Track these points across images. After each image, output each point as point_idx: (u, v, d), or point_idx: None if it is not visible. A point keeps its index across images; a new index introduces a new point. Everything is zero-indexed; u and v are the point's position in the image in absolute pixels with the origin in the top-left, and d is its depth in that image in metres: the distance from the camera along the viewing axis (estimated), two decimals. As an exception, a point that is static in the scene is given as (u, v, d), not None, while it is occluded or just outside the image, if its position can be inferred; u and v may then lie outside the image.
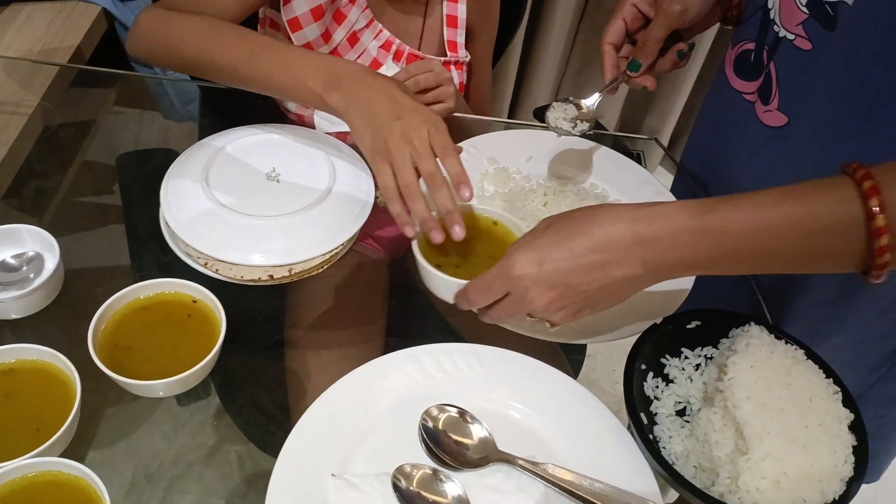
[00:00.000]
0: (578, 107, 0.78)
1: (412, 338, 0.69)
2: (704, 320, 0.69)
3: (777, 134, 0.78)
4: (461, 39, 0.98)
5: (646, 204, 0.58)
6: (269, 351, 0.81)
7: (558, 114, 0.78)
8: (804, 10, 0.71)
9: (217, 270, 0.69)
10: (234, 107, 0.95)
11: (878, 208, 0.50)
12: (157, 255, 0.74)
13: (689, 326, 0.69)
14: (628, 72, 0.76)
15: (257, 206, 0.72)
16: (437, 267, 0.66)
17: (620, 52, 0.79)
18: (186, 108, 1.37)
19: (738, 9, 0.80)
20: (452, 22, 0.97)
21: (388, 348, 0.69)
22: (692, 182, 0.93)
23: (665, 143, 2.19)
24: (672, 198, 0.83)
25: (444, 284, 0.65)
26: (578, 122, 0.78)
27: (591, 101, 0.78)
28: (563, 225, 0.58)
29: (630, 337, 0.69)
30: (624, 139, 1.01)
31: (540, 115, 0.93)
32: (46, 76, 1.07)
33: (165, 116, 1.40)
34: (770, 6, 0.76)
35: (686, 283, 0.74)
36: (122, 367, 0.59)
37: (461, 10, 0.97)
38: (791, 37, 0.74)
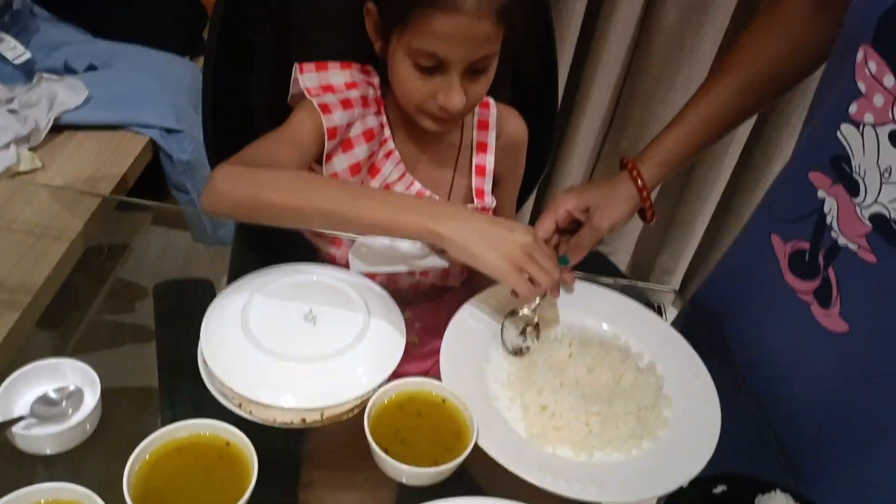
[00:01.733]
0: (525, 318, 0.84)
1: (430, 488, 0.70)
2: (730, 485, 0.69)
3: (835, 340, 0.77)
4: (488, 188, 1.03)
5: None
6: (288, 491, 0.81)
7: (511, 333, 0.83)
8: (867, 222, 0.71)
9: (251, 412, 0.70)
10: (265, 235, 0.99)
11: None
12: (190, 390, 0.76)
13: (715, 491, 0.69)
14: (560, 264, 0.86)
15: (294, 348, 0.74)
16: (385, 450, 0.68)
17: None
18: (217, 233, 1.43)
19: (651, 210, 0.94)
20: (481, 171, 1.02)
21: (402, 495, 0.70)
22: (708, 327, 0.94)
23: (678, 283, 2.23)
24: (694, 354, 0.84)
25: (390, 467, 0.68)
26: (528, 331, 0.83)
27: (532, 306, 0.83)
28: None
29: (650, 497, 0.69)
30: (644, 288, 1.04)
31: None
32: (90, 205, 1.12)
33: (195, 240, 1.46)
34: (826, 210, 0.76)
35: (709, 441, 0.74)
36: (153, 511, 0.60)
37: (489, 161, 1.03)
38: (853, 247, 0.73)
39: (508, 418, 0.76)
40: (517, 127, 1.06)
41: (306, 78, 0.92)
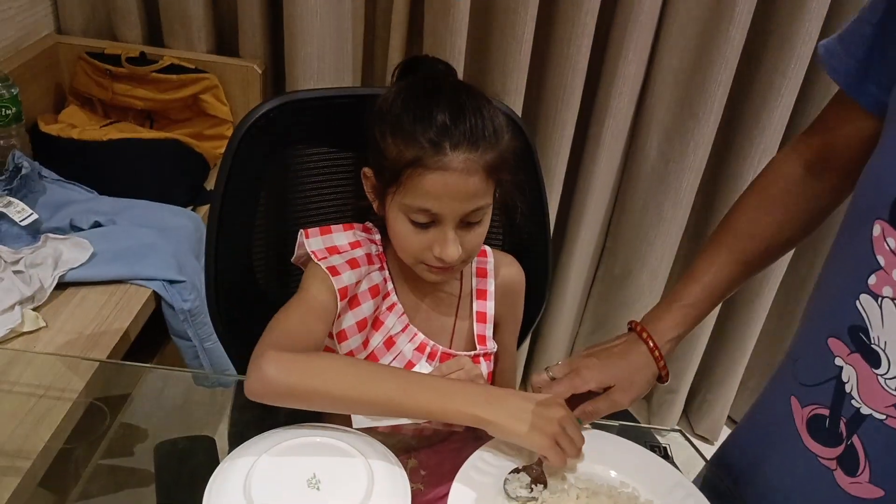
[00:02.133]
0: (529, 472, 0.83)
1: None
2: None
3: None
4: (489, 333, 1.05)
5: None
6: None
7: (514, 484, 0.83)
8: (893, 392, 0.69)
9: None
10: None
11: None
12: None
13: None
14: None
15: None
16: None
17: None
18: (218, 378, 1.43)
19: (666, 372, 0.94)
20: (482, 318, 1.04)
21: None
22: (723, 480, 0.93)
23: (681, 404, 2.21)
24: (704, 500, 0.83)
25: None
26: (534, 485, 0.82)
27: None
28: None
29: None
30: (651, 430, 1.04)
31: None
32: (91, 364, 1.13)
33: (197, 383, 1.46)
34: (845, 379, 0.74)
35: None
36: None
37: (490, 307, 1.05)
38: (880, 416, 0.71)
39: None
40: (514, 273, 1.09)
41: (311, 242, 0.96)
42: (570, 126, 1.76)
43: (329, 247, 0.96)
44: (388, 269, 1.00)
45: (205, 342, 1.48)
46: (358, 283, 0.94)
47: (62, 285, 1.31)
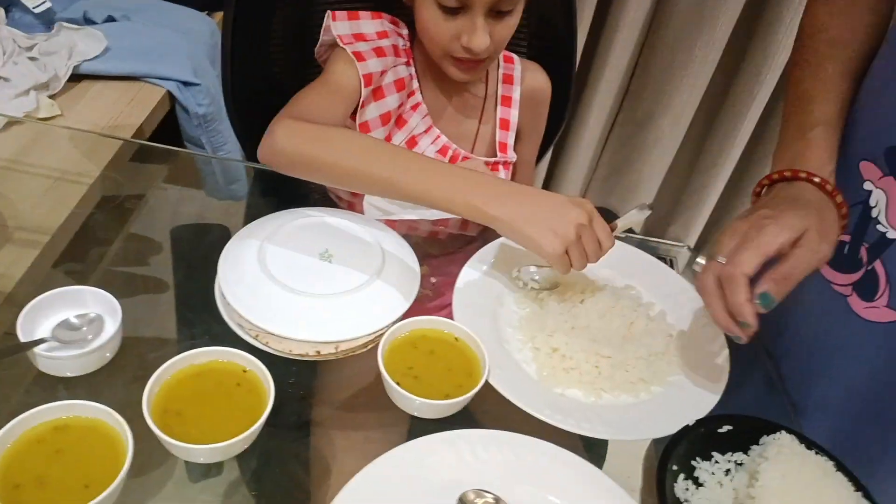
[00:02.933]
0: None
1: (437, 423, 0.71)
2: (735, 425, 0.70)
3: (880, 329, 0.75)
4: (510, 141, 1.04)
5: None
6: (298, 430, 0.83)
7: (524, 274, 0.85)
8: None
9: (267, 343, 0.72)
10: (283, 189, 1.00)
11: None
12: (208, 325, 0.77)
13: (720, 431, 0.70)
14: (759, 304, 0.67)
15: (309, 284, 0.75)
16: (398, 383, 0.69)
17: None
18: (229, 188, 1.44)
19: (845, 205, 0.74)
20: (505, 125, 1.03)
21: (412, 433, 0.71)
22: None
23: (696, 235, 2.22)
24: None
25: (401, 398, 0.70)
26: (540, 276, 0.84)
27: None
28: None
29: (658, 437, 0.70)
30: (658, 243, 1.04)
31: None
32: (109, 149, 1.13)
33: (208, 194, 1.47)
34: (873, 203, 0.73)
35: (717, 387, 0.75)
36: (170, 431, 0.61)
37: (513, 115, 1.03)
38: None
39: (519, 360, 0.77)
40: (541, 81, 1.06)
41: (338, 26, 0.93)
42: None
43: (356, 33, 0.93)
44: (415, 67, 0.98)
45: (217, 150, 1.48)
46: (383, 72, 0.92)
47: (76, 77, 1.29)
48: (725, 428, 0.70)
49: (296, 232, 0.82)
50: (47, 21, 1.36)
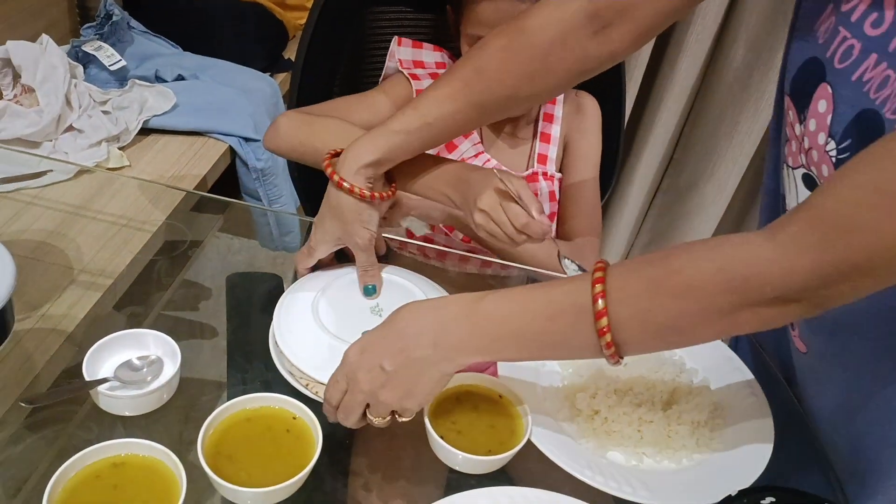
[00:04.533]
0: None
1: (474, 480, 0.72)
2: (778, 497, 0.69)
3: (803, 357, 0.82)
4: (552, 155, 1.08)
5: (439, 298, 0.72)
6: (342, 478, 0.84)
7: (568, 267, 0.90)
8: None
9: (316, 392, 0.74)
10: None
11: (600, 294, 0.59)
12: (259, 372, 0.80)
13: (762, 502, 0.69)
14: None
15: (360, 335, 0.77)
16: (442, 437, 0.71)
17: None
18: (283, 239, 1.49)
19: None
20: (545, 139, 1.08)
21: (449, 488, 0.72)
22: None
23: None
24: (749, 373, 0.85)
25: (445, 452, 0.71)
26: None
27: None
28: (389, 318, 0.68)
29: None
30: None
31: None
32: (172, 199, 1.19)
33: (262, 244, 1.52)
34: None
35: (761, 457, 0.75)
36: (221, 473, 0.63)
37: (555, 130, 1.08)
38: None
39: (560, 420, 0.78)
40: (587, 100, 1.11)
41: (402, 51, 1.00)
42: (654, 26, 1.70)
43: (416, 60, 1.00)
44: None
45: (273, 203, 1.54)
46: None
47: (145, 131, 1.37)
48: (768, 500, 0.69)
49: (347, 286, 0.85)
50: (121, 78, 1.44)
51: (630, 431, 0.76)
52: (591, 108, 1.12)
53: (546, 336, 0.63)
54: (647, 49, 1.75)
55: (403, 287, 0.87)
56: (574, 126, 1.09)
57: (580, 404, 0.78)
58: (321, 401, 0.74)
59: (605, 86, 1.17)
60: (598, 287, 0.59)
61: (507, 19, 0.81)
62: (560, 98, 1.08)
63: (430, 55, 1.01)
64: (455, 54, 1.07)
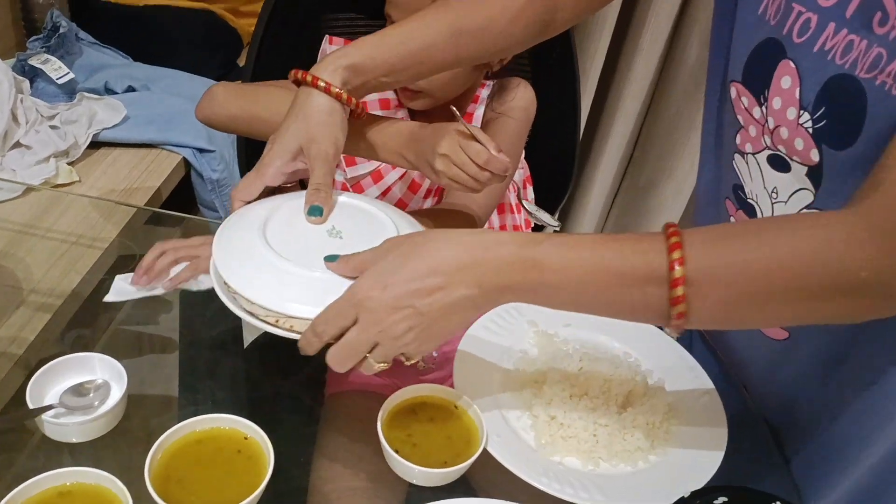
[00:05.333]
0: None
1: (436, 490, 0.72)
2: (731, 496, 0.70)
3: (775, 345, 0.82)
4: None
5: (477, 231, 0.64)
6: (297, 496, 0.83)
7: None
8: None
9: (291, 327, 0.65)
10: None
11: (678, 260, 0.56)
12: (211, 391, 0.79)
13: (715, 502, 0.70)
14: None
15: (320, 261, 0.68)
16: (397, 451, 0.70)
17: None
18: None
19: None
20: (468, 119, 1.07)
21: (410, 500, 0.71)
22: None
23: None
24: (703, 374, 0.86)
25: (401, 466, 0.70)
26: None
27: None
28: (405, 249, 0.62)
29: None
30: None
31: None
32: (123, 215, 1.17)
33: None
34: None
35: (714, 457, 0.75)
36: (172, 498, 0.62)
37: (479, 110, 1.08)
38: None
39: (518, 427, 0.78)
40: (518, 82, 1.10)
41: (333, 48, 0.99)
42: (608, 28, 1.72)
43: None
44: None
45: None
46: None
47: (95, 144, 1.35)
48: (720, 499, 0.69)
49: (294, 211, 0.75)
50: (70, 91, 1.42)
51: (586, 436, 0.76)
52: (519, 91, 1.09)
53: (609, 293, 0.60)
54: (603, 50, 1.76)
55: (363, 210, 0.78)
56: (495, 107, 1.09)
57: (536, 411, 0.78)
58: (295, 337, 0.66)
59: (561, 85, 1.18)
60: (677, 253, 0.56)
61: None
62: (482, 96, 1.08)
63: None
64: None
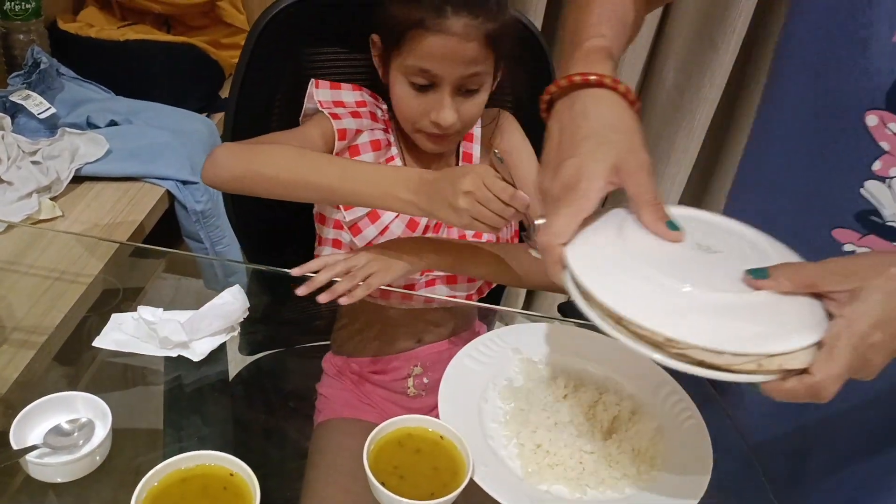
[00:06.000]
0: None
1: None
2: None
3: None
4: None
5: None
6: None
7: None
8: None
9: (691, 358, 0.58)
10: (274, 280, 1.03)
11: None
12: (196, 426, 0.78)
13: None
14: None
15: (711, 280, 0.61)
16: (383, 484, 0.70)
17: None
18: (228, 280, 1.47)
19: (638, 102, 0.72)
20: (467, 158, 1.08)
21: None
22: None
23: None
24: (687, 397, 0.86)
25: (388, 499, 0.70)
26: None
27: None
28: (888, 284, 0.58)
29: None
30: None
31: (564, 310, 1.00)
32: (107, 250, 1.17)
33: (207, 286, 1.50)
34: None
35: (700, 482, 0.76)
36: (157, 538, 0.62)
37: (475, 148, 1.08)
38: None
39: (504, 456, 0.78)
40: (504, 115, 1.11)
41: (320, 93, 1.00)
42: (586, 52, 1.74)
43: (336, 101, 1.00)
44: (394, 135, 1.05)
45: (216, 244, 1.52)
46: (359, 132, 0.99)
47: (78, 179, 1.34)
48: (708, 524, 0.70)
49: (639, 233, 0.67)
50: (51, 126, 1.41)
51: (572, 463, 0.76)
52: (509, 124, 1.12)
53: None
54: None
55: (699, 219, 0.71)
56: (499, 146, 1.10)
57: (522, 439, 0.79)
58: (710, 375, 0.59)
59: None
60: None
61: (452, 55, 0.89)
62: (477, 135, 1.09)
63: (350, 94, 1.02)
64: (377, 92, 1.07)
